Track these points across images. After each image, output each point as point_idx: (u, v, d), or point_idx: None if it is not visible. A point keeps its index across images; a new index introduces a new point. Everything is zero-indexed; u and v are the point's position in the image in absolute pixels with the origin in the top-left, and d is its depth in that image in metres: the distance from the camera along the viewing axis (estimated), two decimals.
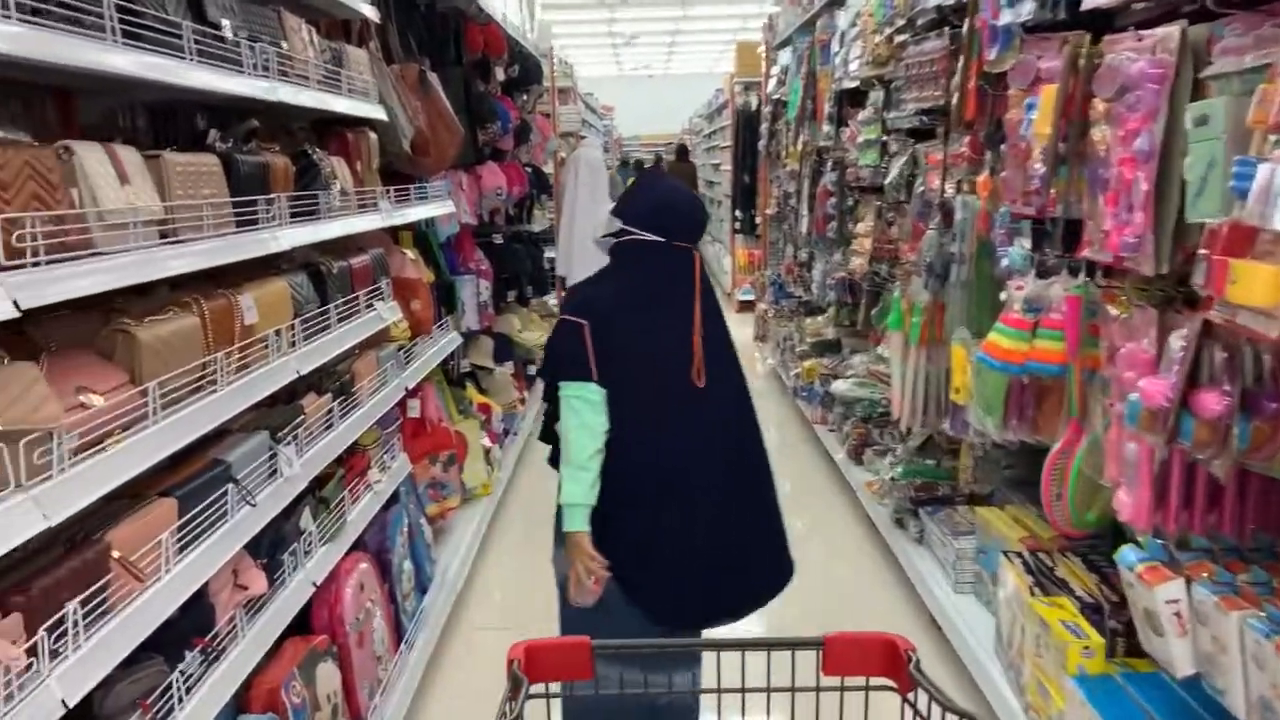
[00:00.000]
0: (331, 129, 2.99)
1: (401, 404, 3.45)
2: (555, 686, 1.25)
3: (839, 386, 5.05)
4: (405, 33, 4.12)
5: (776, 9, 8.61)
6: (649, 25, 18.75)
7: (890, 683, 1.23)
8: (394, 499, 3.16)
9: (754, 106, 10.52)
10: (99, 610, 1.47)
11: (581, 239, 7.67)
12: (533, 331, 7.08)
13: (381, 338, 3.25)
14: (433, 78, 4.02)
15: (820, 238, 6.01)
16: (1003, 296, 2.88)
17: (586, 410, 2.16)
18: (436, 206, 4.00)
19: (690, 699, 2.19)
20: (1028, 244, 2.80)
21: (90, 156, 1.55)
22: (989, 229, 3.12)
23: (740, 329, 10.07)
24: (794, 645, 1.25)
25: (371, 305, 3.07)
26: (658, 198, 2.35)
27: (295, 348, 2.34)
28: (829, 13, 5.79)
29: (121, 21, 1.61)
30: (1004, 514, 3.21)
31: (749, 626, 2.61)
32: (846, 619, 3.59)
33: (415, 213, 3.67)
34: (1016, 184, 2.82)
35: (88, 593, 1.44)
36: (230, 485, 1.94)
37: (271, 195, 2.23)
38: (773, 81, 7.90)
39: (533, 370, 6.33)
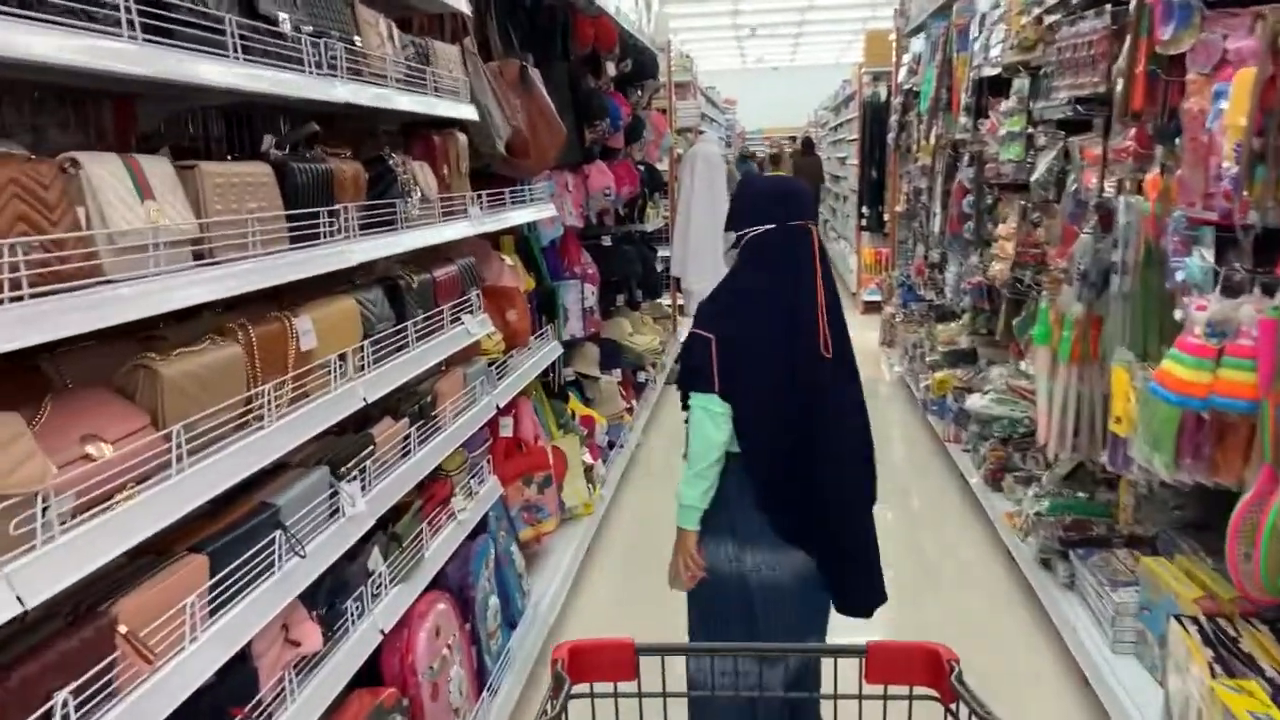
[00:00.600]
0: (418, 131, 2.79)
1: (492, 423, 3.24)
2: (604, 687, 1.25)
3: (975, 403, 4.61)
4: (507, 27, 3.91)
5: None
6: (774, 16, 18.26)
7: (933, 692, 1.23)
8: (481, 526, 2.95)
9: (883, 98, 10.01)
10: (101, 696, 1.27)
11: (698, 238, 7.38)
12: (645, 335, 6.84)
13: (470, 353, 3.04)
14: (535, 74, 3.80)
15: (954, 238, 5.55)
16: (1177, 315, 2.45)
17: (708, 422, 2.25)
18: (536, 210, 3.78)
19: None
20: (1210, 255, 2.36)
21: (101, 170, 1.35)
22: (1159, 235, 2.69)
23: (865, 332, 9.59)
24: (837, 652, 1.27)
25: (458, 319, 2.86)
26: (756, 191, 2.44)
27: (364, 372, 2.13)
28: None
29: (142, 14, 1.41)
30: (1173, 566, 2.77)
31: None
32: (983, 669, 3.21)
33: (512, 218, 3.45)
34: (1196, 184, 2.39)
35: (84, 678, 1.24)
36: (278, 533, 1.74)
37: (336, 206, 2.02)
38: (904, 71, 7.42)
39: (643, 377, 6.08)
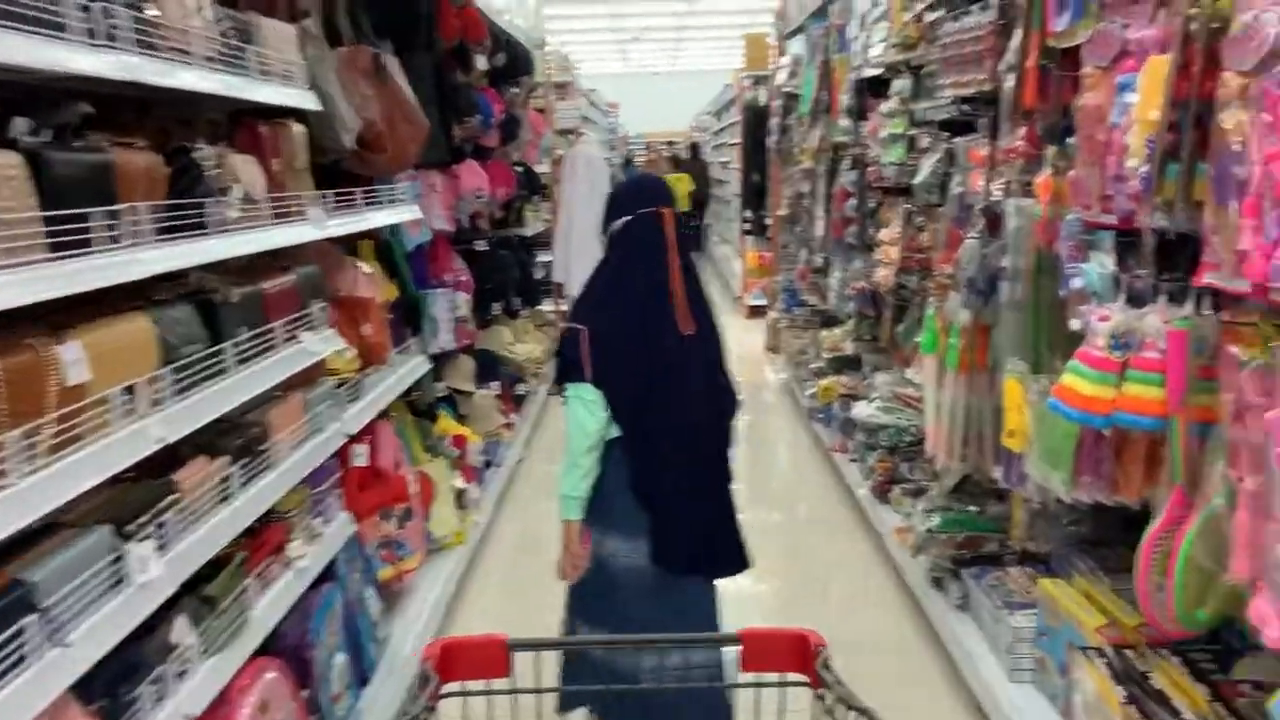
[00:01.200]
0: (241, 121, 2.43)
1: (343, 452, 2.90)
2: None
3: (861, 411, 4.47)
4: (358, 11, 3.56)
5: None
6: (654, 20, 18.16)
7: (804, 678, 1.26)
8: (328, 573, 2.61)
9: (763, 102, 9.95)
10: None
11: (581, 242, 7.10)
12: (526, 344, 6.53)
13: (314, 374, 2.69)
14: (391, 63, 3.46)
15: (838, 243, 5.44)
16: (1074, 325, 2.31)
17: (582, 409, 2.36)
18: (396, 212, 3.45)
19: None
20: (1110, 261, 2.22)
21: None
22: (1051, 240, 2.55)
23: (750, 336, 9.50)
24: (713, 641, 1.41)
25: (295, 337, 2.52)
26: (615, 190, 2.78)
27: (162, 406, 1.79)
28: None
29: None
30: (1072, 588, 2.64)
31: None
32: (870, 696, 3.02)
33: (367, 220, 3.12)
34: (1092, 185, 2.25)
35: None
36: (34, 618, 1.39)
37: (120, 206, 1.67)
38: (783, 74, 7.33)
39: (524, 389, 5.77)
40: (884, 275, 4.09)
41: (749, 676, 1.27)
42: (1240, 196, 1.59)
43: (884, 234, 4.15)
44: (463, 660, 1.25)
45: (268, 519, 2.35)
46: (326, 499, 2.71)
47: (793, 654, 1.25)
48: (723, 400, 2.59)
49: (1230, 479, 1.77)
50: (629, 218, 2.46)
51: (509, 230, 6.25)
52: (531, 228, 7.00)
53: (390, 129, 3.38)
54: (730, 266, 12.42)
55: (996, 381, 3.27)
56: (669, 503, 2.40)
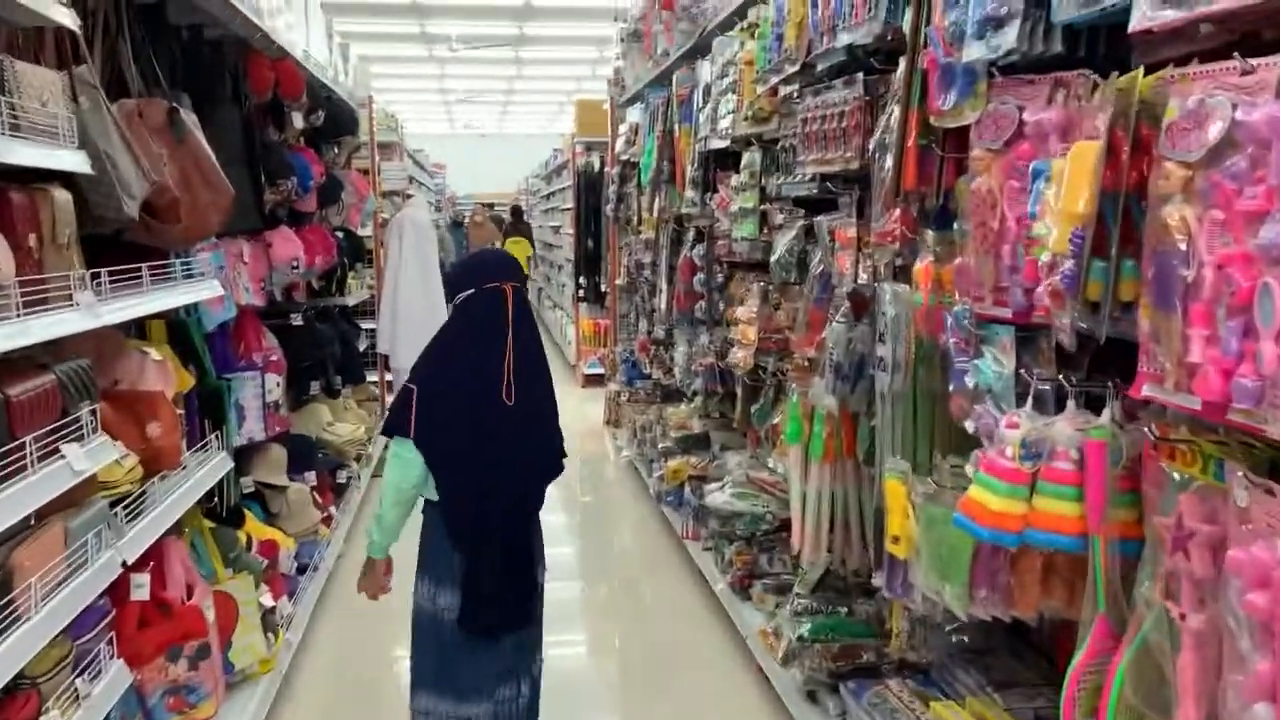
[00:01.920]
0: None
1: (119, 585, 2.37)
2: None
3: (715, 499, 4.22)
4: (152, 60, 3.09)
5: (620, 63, 7.94)
6: (482, 83, 17.96)
7: None
8: None
9: (597, 168, 9.83)
10: None
11: (409, 310, 6.65)
12: (347, 424, 5.99)
13: (80, 494, 2.18)
14: (189, 119, 3.01)
15: (683, 315, 5.24)
16: (969, 426, 2.13)
17: (398, 465, 2.52)
18: (191, 291, 2.96)
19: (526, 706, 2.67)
20: (1007, 358, 2.05)
21: None
22: (934, 331, 2.38)
23: (587, 407, 9.20)
24: None
25: (56, 451, 2.01)
26: (463, 262, 3.03)
27: None
28: (688, 64, 5.09)
29: None
30: (965, 711, 2.43)
31: None
32: None
33: (153, 303, 2.63)
34: (983, 275, 2.08)
35: None
36: None
37: None
38: (621, 140, 7.19)
39: (345, 476, 5.23)
40: (742, 357, 3.89)
41: None
42: (1186, 301, 1.42)
43: (740, 312, 3.95)
44: None
45: (12, 690, 1.83)
46: (95, 648, 2.18)
47: None
48: (545, 465, 2.74)
49: (1168, 611, 1.58)
50: (473, 291, 2.61)
51: (329, 300, 5.74)
52: (355, 296, 6.51)
53: (189, 193, 2.92)
54: (564, 332, 12.14)
55: (865, 472, 3.10)
56: (477, 567, 2.54)
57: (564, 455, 2.82)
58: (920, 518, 2.35)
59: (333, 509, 4.82)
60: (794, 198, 3.52)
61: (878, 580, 2.69)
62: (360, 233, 6.65)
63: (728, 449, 4.98)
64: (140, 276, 2.58)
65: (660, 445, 5.35)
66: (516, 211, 16.17)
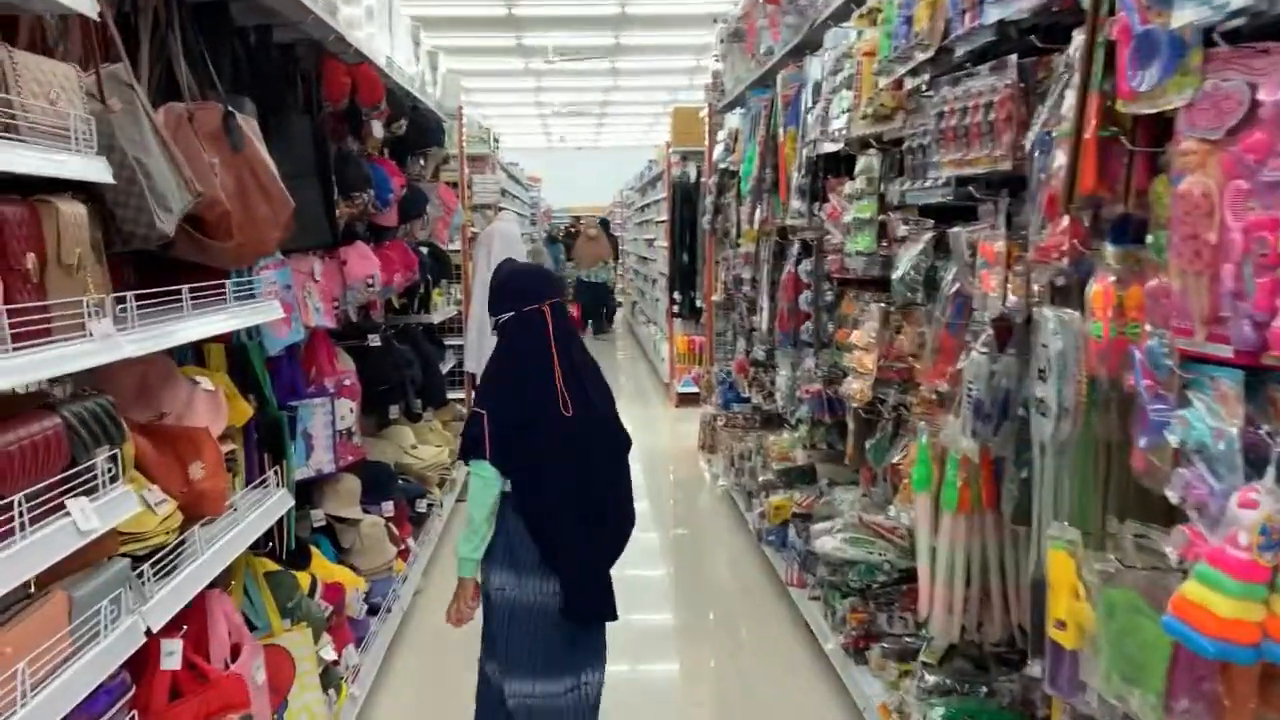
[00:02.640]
0: None
1: (148, 651, 2.06)
2: None
3: (824, 544, 3.77)
4: (207, 61, 2.82)
5: (719, 65, 7.55)
6: (578, 95, 17.79)
7: None
8: None
9: (693, 178, 9.45)
10: None
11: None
12: (431, 446, 5.73)
13: (94, 555, 1.88)
14: (248, 125, 2.73)
15: (786, 337, 4.81)
16: (1172, 496, 1.66)
17: (480, 485, 2.69)
18: (242, 313, 2.67)
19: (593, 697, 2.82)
20: (1227, 412, 1.58)
21: None
22: (1115, 368, 1.91)
23: (681, 427, 8.82)
24: None
25: (61, 507, 1.71)
26: (498, 283, 2.90)
27: None
28: (794, 62, 4.67)
29: None
30: None
31: None
32: None
33: (190, 329, 2.33)
34: (1193, 302, 1.62)
35: None
36: None
37: None
38: (719, 149, 6.78)
39: (425, 504, 4.94)
40: (858, 389, 3.43)
41: None
42: None
43: (856, 336, 3.50)
44: None
45: None
46: None
47: None
48: (613, 453, 2.86)
49: None
50: (513, 314, 2.77)
51: (411, 318, 5.49)
52: (441, 313, 6.25)
53: (242, 207, 2.64)
54: (657, 349, 11.78)
55: (1012, 531, 2.63)
56: (572, 563, 2.70)
57: (629, 444, 2.93)
58: (1097, 603, 1.89)
59: (410, 541, 4.53)
60: (921, 206, 3.06)
61: (1035, 671, 2.22)
62: (448, 248, 6.40)
63: (835, 484, 4.52)
64: (180, 301, 2.28)
65: (760, 478, 4.91)
66: (604, 224, 16.73)
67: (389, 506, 4.36)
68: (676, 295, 9.76)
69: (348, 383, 3.87)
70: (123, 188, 2.00)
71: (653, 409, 10.02)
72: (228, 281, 2.63)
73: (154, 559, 2.12)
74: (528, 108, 19.21)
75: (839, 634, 3.56)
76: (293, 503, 3.03)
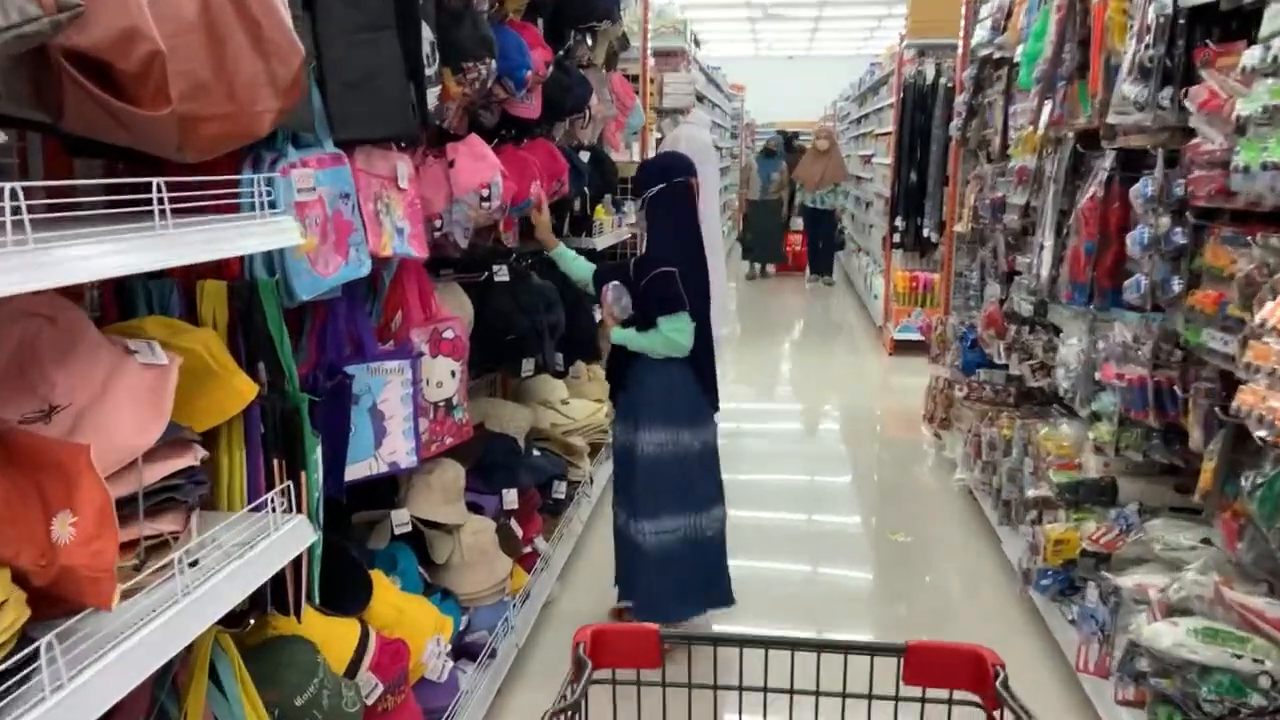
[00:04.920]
0: None
1: None
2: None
3: (1161, 637, 2.36)
4: None
5: None
6: None
7: (974, 698, 1.21)
8: None
9: (930, 78, 7.77)
10: None
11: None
12: (588, 399, 4.64)
13: None
14: None
15: (1082, 289, 3.32)
16: None
17: (682, 337, 3.14)
18: (224, 236, 1.54)
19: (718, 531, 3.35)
20: None
21: None
22: None
23: (895, 380, 7.37)
24: (873, 650, 1.26)
25: None
26: (643, 166, 3.46)
27: None
28: None
29: None
30: None
31: None
32: None
33: (104, 258, 1.21)
34: None
35: None
36: None
37: None
38: (982, 30, 5.14)
39: (561, 490, 3.80)
40: (1255, 399, 1.96)
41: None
42: None
43: (1269, 312, 2.01)
44: (612, 648, 1.26)
45: None
46: None
47: (964, 672, 1.21)
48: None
49: None
50: (663, 185, 3.21)
51: (565, 240, 4.31)
52: (611, 236, 5.05)
53: (209, 53, 1.49)
54: (869, 284, 10.21)
55: None
56: (707, 377, 3.27)
57: None
58: None
59: (539, 543, 3.42)
60: None
61: None
62: (619, 156, 5.17)
63: (1150, 513, 3.06)
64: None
65: (1030, 490, 3.46)
66: (787, 140, 14.39)
67: (511, 497, 3.25)
68: (899, 222, 8.17)
69: (449, 335, 2.73)
70: None
71: (862, 357, 8.53)
72: (240, 179, 1.50)
73: None
74: (736, 8, 17.55)
75: None
76: (314, 536, 1.92)
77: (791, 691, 1.28)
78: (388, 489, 2.77)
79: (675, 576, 3.18)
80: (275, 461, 1.89)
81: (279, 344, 1.93)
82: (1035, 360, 3.96)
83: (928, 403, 5.60)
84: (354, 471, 2.40)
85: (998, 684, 1.15)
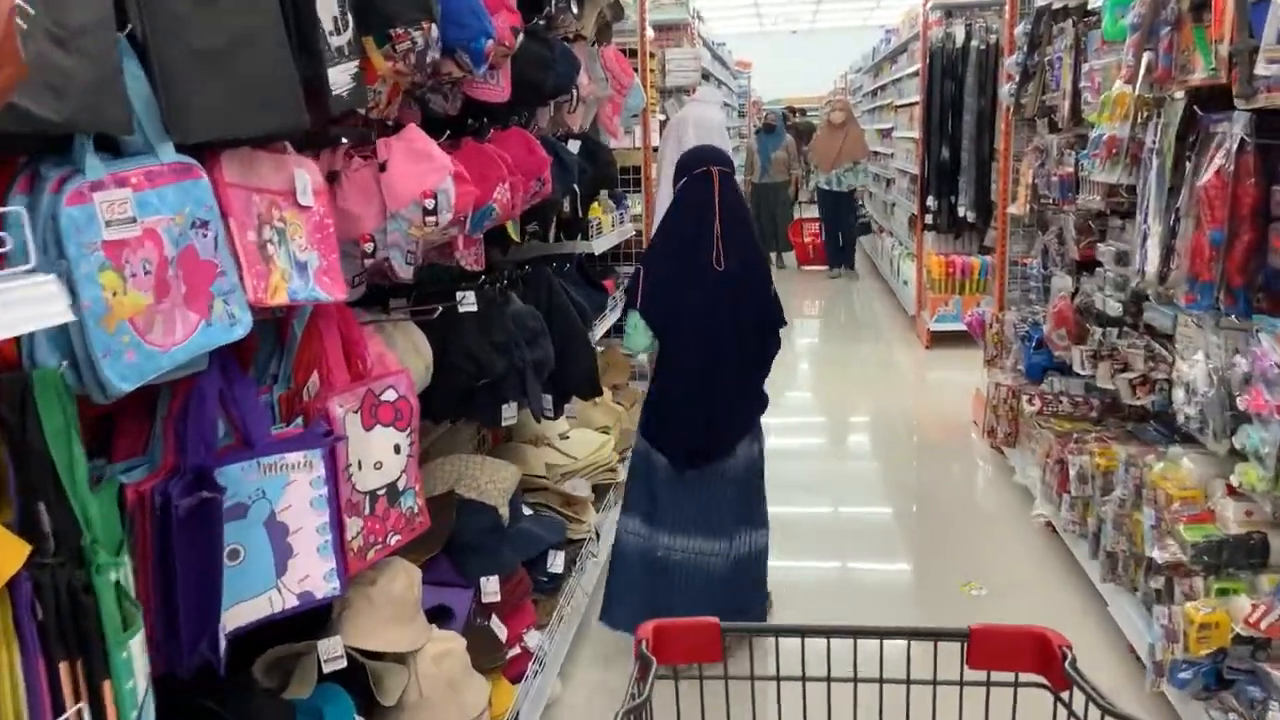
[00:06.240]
0: None
1: None
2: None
3: None
4: None
5: None
6: None
7: (1042, 680, 1.19)
8: None
9: (960, 41, 7.00)
10: None
11: None
12: (593, 430, 3.95)
13: None
14: None
15: (1208, 291, 2.58)
16: None
17: (630, 335, 3.09)
18: None
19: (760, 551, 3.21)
20: None
21: None
22: None
23: (933, 375, 6.64)
24: (937, 635, 1.24)
25: None
26: (681, 161, 3.21)
27: None
28: None
29: None
30: None
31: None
32: None
33: None
34: None
35: None
36: None
37: None
38: None
39: (560, 561, 3.08)
40: None
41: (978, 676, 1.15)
42: None
43: None
44: (675, 643, 1.26)
45: None
46: None
47: (1030, 654, 1.19)
48: (756, 320, 3.07)
49: None
50: (686, 179, 3.08)
51: (552, 248, 3.61)
52: (614, 235, 4.34)
53: None
54: (897, 268, 9.42)
55: None
56: (677, 407, 3.06)
57: (783, 323, 3.16)
58: None
59: (531, 637, 2.71)
60: None
61: None
62: (617, 143, 4.44)
63: None
64: None
65: (1157, 551, 2.70)
66: (785, 116, 13.72)
67: (491, 587, 2.54)
68: (930, 201, 7.41)
69: (390, 396, 2.02)
70: None
71: (892, 350, 7.75)
72: None
73: None
74: None
75: None
76: None
77: (855, 681, 1.27)
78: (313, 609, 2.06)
79: (627, 579, 3.12)
80: (63, 665, 1.18)
81: (67, 473, 1.22)
82: (1135, 374, 3.21)
83: (986, 413, 4.84)
84: (245, 613, 1.69)
85: (1066, 665, 1.14)
